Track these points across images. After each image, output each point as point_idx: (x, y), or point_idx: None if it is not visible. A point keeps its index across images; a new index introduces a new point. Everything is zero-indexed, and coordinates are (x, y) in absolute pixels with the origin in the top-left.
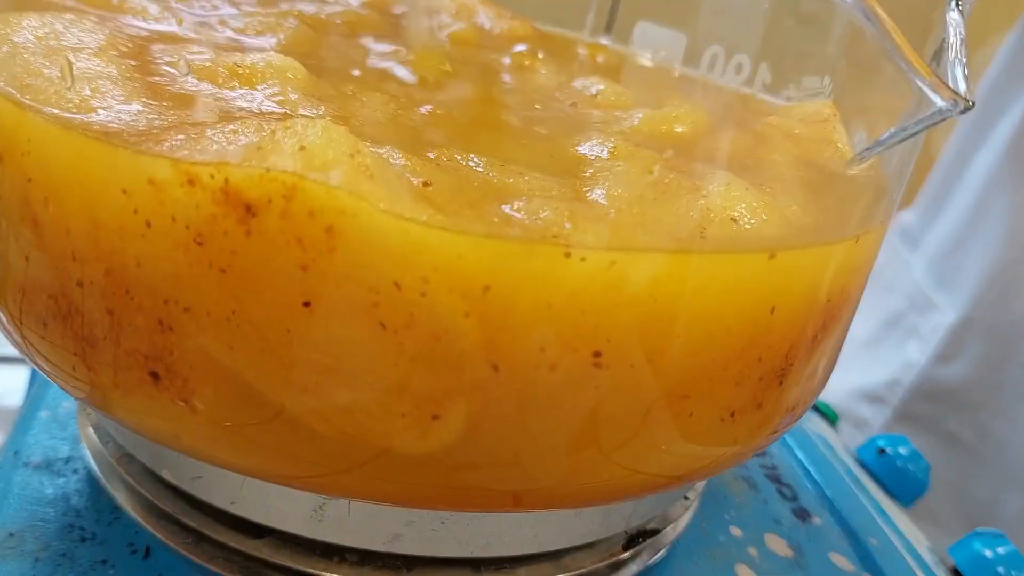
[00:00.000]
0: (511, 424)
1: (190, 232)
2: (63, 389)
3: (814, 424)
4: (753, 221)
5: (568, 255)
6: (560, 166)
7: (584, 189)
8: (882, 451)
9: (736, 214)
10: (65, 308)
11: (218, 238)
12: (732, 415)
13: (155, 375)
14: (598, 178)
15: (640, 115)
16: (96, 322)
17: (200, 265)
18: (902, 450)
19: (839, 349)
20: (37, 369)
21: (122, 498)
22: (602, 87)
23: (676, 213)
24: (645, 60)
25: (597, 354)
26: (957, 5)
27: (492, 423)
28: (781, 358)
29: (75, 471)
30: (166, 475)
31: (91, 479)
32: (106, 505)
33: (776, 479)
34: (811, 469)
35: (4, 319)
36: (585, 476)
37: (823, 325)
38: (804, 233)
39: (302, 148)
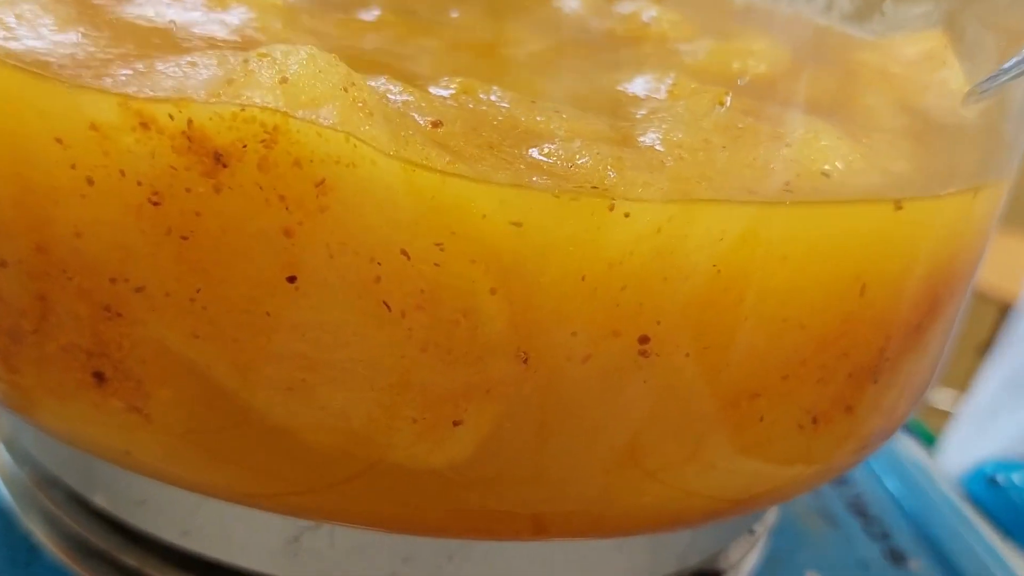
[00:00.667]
0: (539, 431)
1: (143, 190)
2: None
3: (906, 447)
4: (848, 175)
5: (611, 209)
6: (603, 106)
7: (634, 133)
8: (993, 480)
9: (828, 167)
10: None
11: (179, 197)
12: (814, 421)
13: (99, 376)
14: (652, 120)
15: (705, 48)
16: (24, 311)
17: (156, 232)
18: (1017, 478)
19: (945, 343)
20: None
21: (41, 532)
22: (654, 13)
23: (752, 165)
24: None
25: (644, 340)
26: None
27: (517, 430)
28: (876, 349)
29: None
30: (99, 501)
31: (1, 513)
32: (21, 542)
33: (861, 512)
34: (905, 501)
35: None
36: (625, 497)
37: (928, 309)
38: (910, 187)
39: (284, 80)
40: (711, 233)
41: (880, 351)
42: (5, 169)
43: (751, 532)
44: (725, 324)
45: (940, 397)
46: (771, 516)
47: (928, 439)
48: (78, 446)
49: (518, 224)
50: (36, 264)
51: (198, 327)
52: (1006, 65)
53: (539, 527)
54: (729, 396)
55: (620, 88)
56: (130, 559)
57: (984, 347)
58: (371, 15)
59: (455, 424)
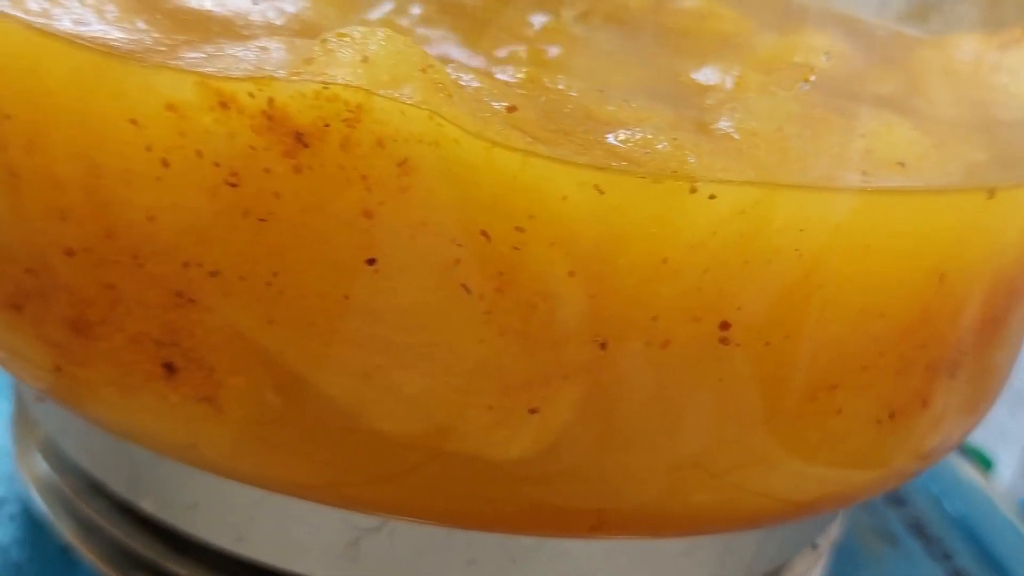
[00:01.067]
0: (612, 420)
1: (221, 171)
2: (23, 381)
3: (964, 470)
4: (923, 166)
5: (693, 191)
6: (669, 96)
7: (706, 121)
8: None
9: (903, 157)
10: (46, 285)
11: (258, 177)
12: (891, 415)
13: (169, 366)
14: (723, 110)
15: (766, 43)
16: (90, 301)
17: (233, 214)
18: None
19: (1020, 343)
20: None
21: (81, 543)
22: (710, 9)
23: (828, 153)
24: None
25: (725, 326)
26: None
27: (592, 419)
28: (953, 342)
29: (11, 518)
30: (147, 507)
31: (34, 524)
32: (57, 555)
33: (921, 533)
34: (965, 522)
35: None
36: (693, 493)
37: (1006, 304)
38: (988, 178)
39: (364, 59)
40: (793, 218)
41: (957, 344)
42: (75, 153)
43: (814, 547)
44: (806, 311)
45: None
46: (834, 531)
47: (986, 463)
48: (138, 441)
49: (604, 212)
50: (105, 251)
51: (274, 311)
52: None
53: (602, 523)
54: (808, 387)
55: (685, 79)
56: (178, 568)
57: None
58: (419, 8)
59: (531, 412)
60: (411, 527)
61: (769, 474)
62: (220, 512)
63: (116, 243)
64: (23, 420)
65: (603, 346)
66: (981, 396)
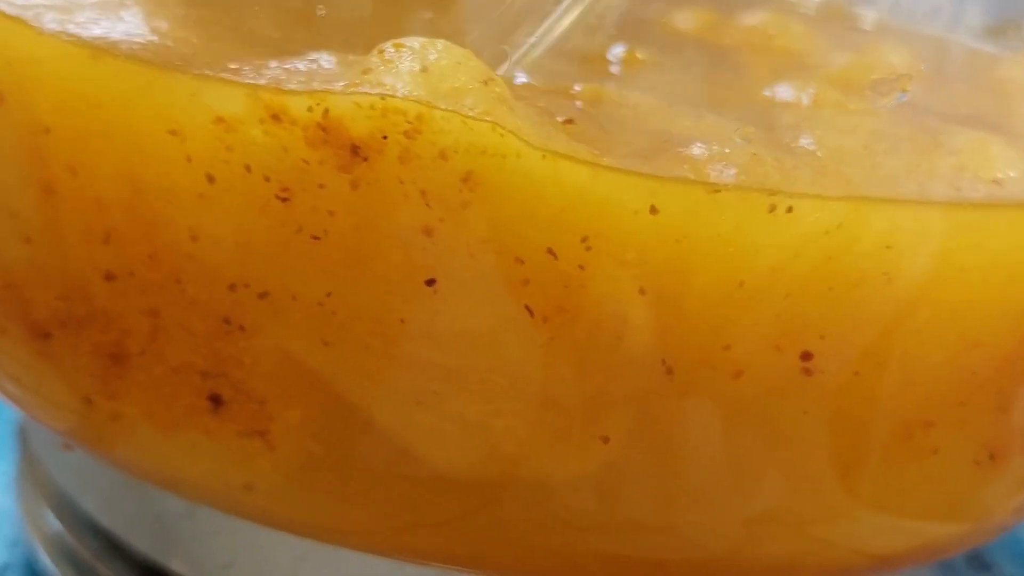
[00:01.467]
0: (680, 458)
1: (271, 186)
2: (45, 422)
3: None
4: (1022, 183)
5: (772, 209)
6: (744, 114)
7: (785, 138)
8: None
9: (1000, 175)
10: (81, 312)
11: (311, 193)
12: (991, 457)
13: (216, 399)
14: (802, 127)
15: (841, 60)
16: (130, 329)
17: (284, 231)
18: None
19: None
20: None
21: None
22: (780, 25)
23: (918, 169)
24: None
25: (807, 356)
26: None
27: (657, 455)
28: None
29: None
30: (176, 567)
31: None
32: None
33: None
34: None
35: None
36: (769, 544)
37: None
38: None
39: (424, 70)
40: (883, 238)
41: None
42: (116, 171)
43: None
44: (897, 340)
45: None
46: None
47: None
48: (174, 484)
49: (673, 229)
50: (148, 275)
51: (326, 333)
52: None
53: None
54: (902, 423)
55: (758, 97)
56: None
57: None
58: None
59: (601, 440)
60: None
61: (864, 520)
62: (259, 570)
63: (159, 266)
64: (31, 478)
65: (670, 372)
66: None
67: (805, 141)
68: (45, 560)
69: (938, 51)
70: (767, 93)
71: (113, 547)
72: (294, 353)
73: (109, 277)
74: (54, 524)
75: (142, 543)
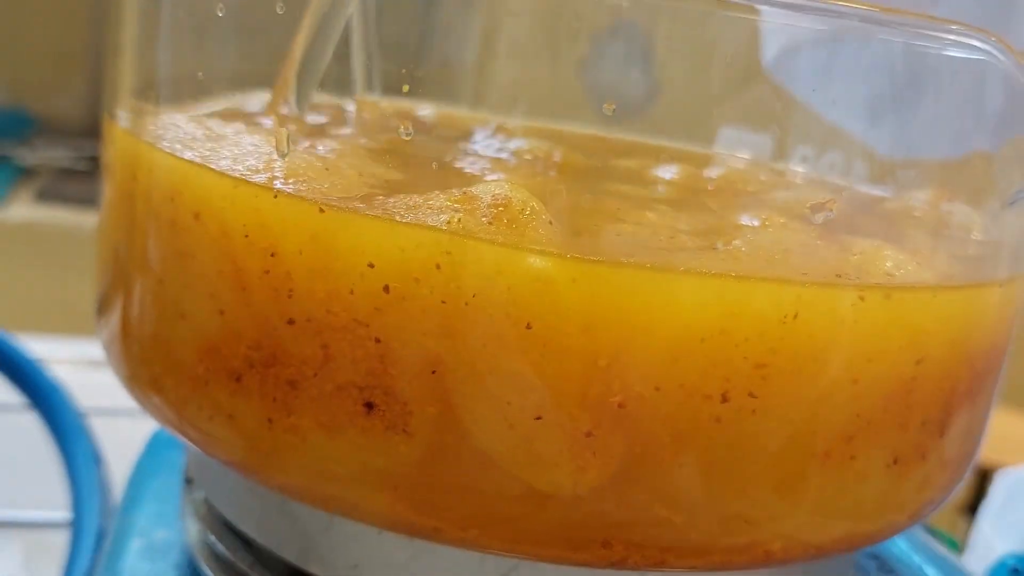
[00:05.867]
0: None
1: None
2: (224, 459)
3: (937, 546)
4: (910, 276)
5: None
6: (708, 233)
7: (722, 240)
8: (1016, 570)
9: (891, 271)
10: (267, 354)
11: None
12: (895, 462)
13: (370, 405)
14: (747, 237)
15: (780, 196)
16: (306, 360)
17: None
18: None
19: (989, 413)
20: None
21: None
22: (722, 172)
23: (826, 262)
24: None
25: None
26: None
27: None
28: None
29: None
30: (314, 569)
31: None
32: None
33: None
34: None
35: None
36: (734, 536)
37: (979, 377)
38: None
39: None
40: (792, 309)
41: (944, 407)
42: (310, 286)
43: None
44: (817, 384)
45: None
46: None
47: (954, 546)
48: (327, 494)
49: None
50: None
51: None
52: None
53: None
54: (829, 438)
55: (719, 221)
56: None
57: (967, 508)
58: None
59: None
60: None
61: (796, 519)
62: (381, 568)
63: (335, 317)
64: (195, 512)
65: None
66: (963, 455)
67: (737, 243)
68: (208, 573)
69: (843, 192)
70: (726, 219)
71: (265, 559)
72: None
73: (290, 322)
74: (216, 545)
75: (290, 554)
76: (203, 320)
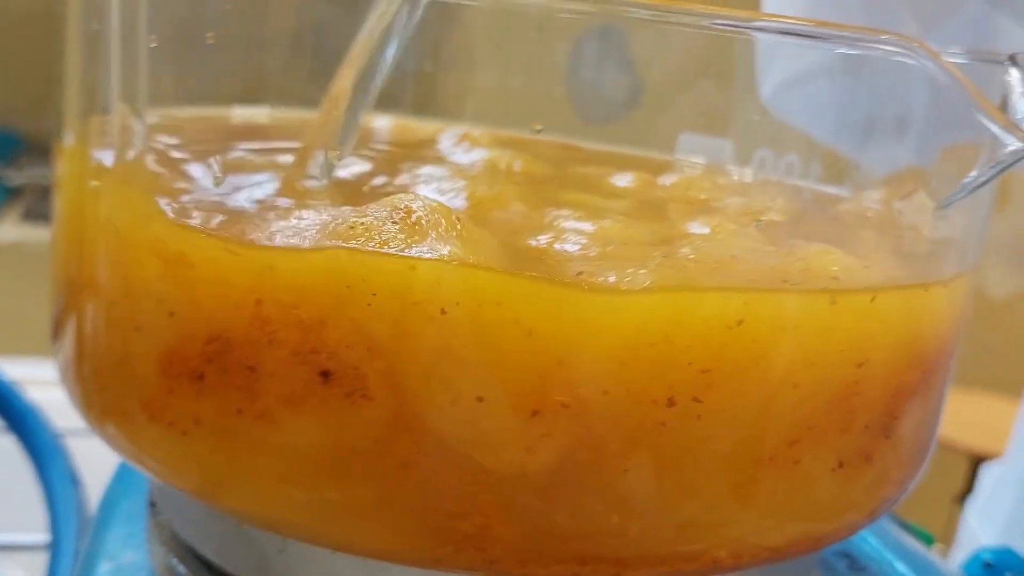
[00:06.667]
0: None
1: None
2: (183, 487)
3: (911, 542)
4: (856, 279)
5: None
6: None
7: (676, 248)
8: (989, 565)
9: (837, 274)
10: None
11: None
12: (840, 465)
13: (326, 374)
14: (693, 243)
15: (733, 202)
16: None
17: None
18: (1010, 561)
19: (939, 414)
20: None
21: None
22: (677, 179)
23: (775, 269)
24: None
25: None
26: (1014, 63)
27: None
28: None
29: None
30: None
31: None
32: None
33: None
34: None
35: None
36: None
37: (921, 379)
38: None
39: None
40: (739, 315)
41: (880, 412)
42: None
43: None
44: (762, 386)
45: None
46: None
47: (927, 539)
48: (280, 517)
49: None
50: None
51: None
52: (964, 181)
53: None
54: (774, 443)
55: (669, 230)
56: None
57: (960, 497)
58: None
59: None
60: None
61: (745, 523)
62: None
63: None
64: (159, 536)
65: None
66: (914, 455)
67: (685, 250)
68: None
69: (799, 194)
70: (679, 227)
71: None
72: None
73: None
74: (178, 568)
75: (248, 574)
76: (158, 330)
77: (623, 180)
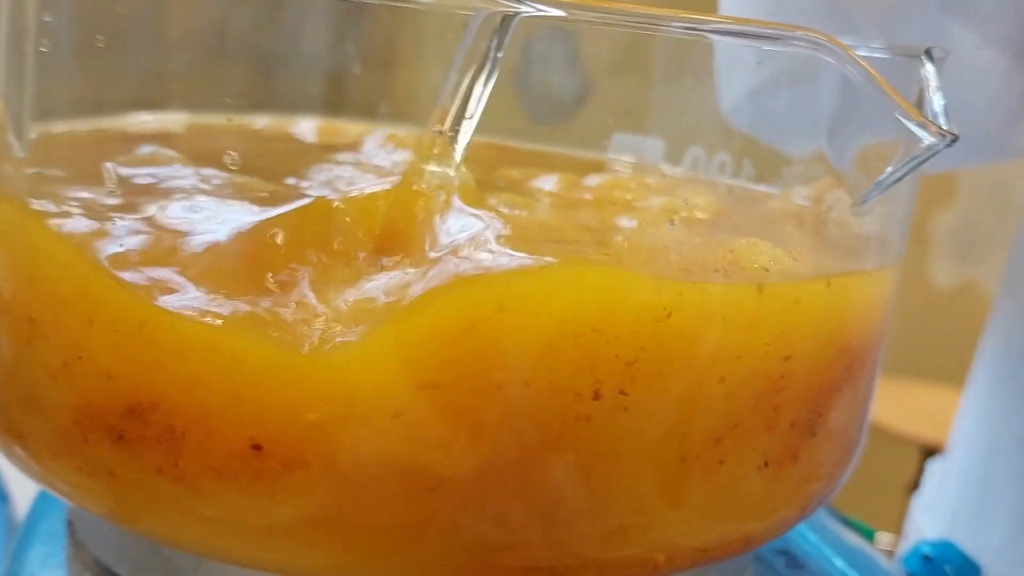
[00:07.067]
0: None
1: None
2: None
3: (851, 536)
4: (783, 271)
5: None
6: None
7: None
8: (928, 558)
9: (767, 265)
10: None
11: None
12: (766, 464)
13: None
14: (619, 237)
15: (660, 202)
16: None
17: None
18: (949, 555)
19: (867, 409)
20: None
21: None
22: (605, 180)
23: (702, 261)
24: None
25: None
26: (929, 58)
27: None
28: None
29: None
30: None
31: None
32: None
33: None
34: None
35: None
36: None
37: (845, 374)
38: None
39: None
40: (668, 306)
41: (813, 407)
42: None
43: None
44: (684, 379)
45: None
46: None
47: (868, 533)
48: (193, 537)
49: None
50: None
51: None
52: (879, 179)
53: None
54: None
55: (607, 224)
56: None
57: (911, 488)
58: None
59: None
60: None
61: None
62: None
63: None
64: (78, 557)
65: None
66: (841, 452)
67: (618, 239)
68: None
69: (729, 192)
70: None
71: None
72: None
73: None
74: None
75: None
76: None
77: (547, 183)
